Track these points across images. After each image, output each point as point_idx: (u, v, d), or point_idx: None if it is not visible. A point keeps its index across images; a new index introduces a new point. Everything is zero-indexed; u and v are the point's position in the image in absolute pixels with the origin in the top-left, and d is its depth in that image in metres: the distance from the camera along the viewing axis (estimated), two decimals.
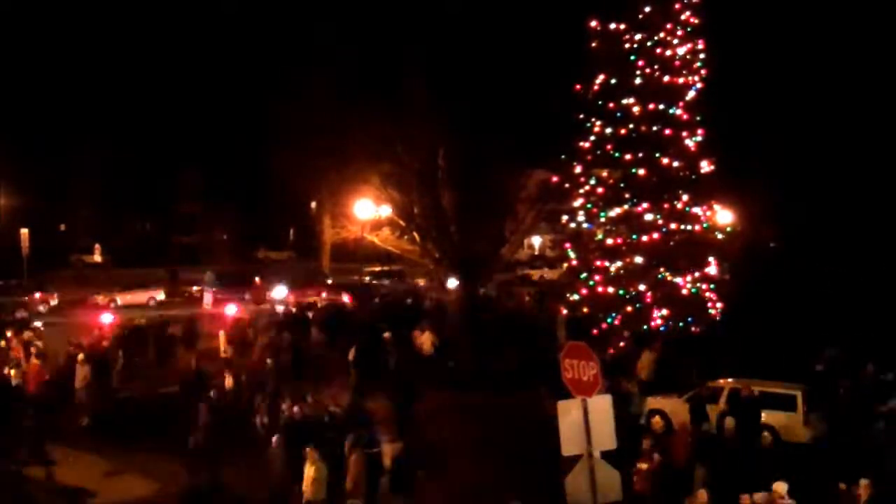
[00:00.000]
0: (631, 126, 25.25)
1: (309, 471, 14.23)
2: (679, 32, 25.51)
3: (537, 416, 16.62)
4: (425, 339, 26.30)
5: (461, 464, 17.23)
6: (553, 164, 27.88)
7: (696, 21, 25.73)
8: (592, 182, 26.00)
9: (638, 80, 25.26)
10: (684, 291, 25.12)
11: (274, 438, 15.64)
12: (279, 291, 40.38)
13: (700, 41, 25.81)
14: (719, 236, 26.57)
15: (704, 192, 25.90)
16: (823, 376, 20.27)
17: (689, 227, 25.53)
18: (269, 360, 22.93)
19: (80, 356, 22.04)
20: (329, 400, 19.09)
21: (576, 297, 25.89)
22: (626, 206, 25.36)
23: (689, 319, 24.98)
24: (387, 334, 25.99)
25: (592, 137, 25.76)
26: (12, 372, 21.45)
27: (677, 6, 25.52)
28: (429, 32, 27.20)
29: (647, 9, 25.34)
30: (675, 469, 14.45)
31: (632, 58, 25.30)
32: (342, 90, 27.25)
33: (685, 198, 25.30)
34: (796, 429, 18.18)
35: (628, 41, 25.40)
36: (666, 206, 25.21)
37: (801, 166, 45.76)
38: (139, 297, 43.36)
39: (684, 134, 25.36)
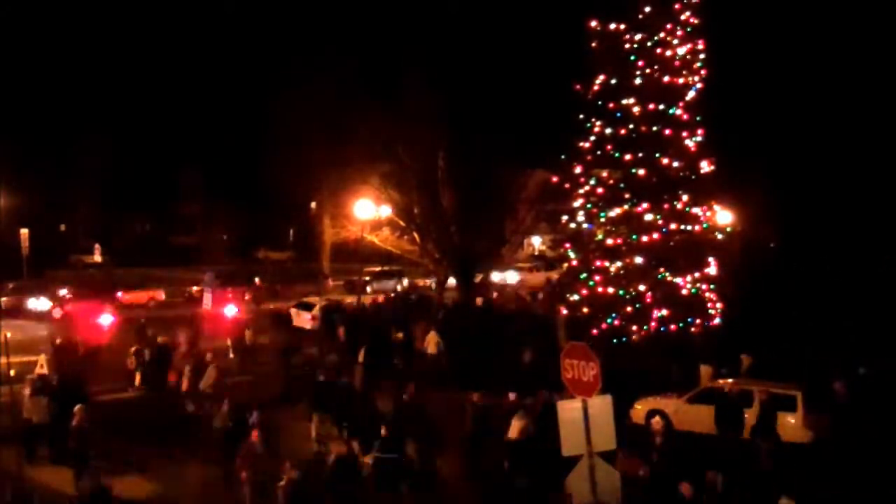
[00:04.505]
0: (631, 126, 25.21)
1: None
2: (679, 32, 25.47)
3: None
4: (430, 340, 26.33)
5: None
6: (553, 164, 27.87)
7: (696, 21, 25.69)
8: (592, 182, 25.94)
9: (638, 81, 25.22)
10: (684, 291, 25.11)
11: None
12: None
13: (700, 41, 25.77)
14: (719, 236, 26.55)
15: (704, 192, 25.85)
16: (822, 376, 20.23)
17: (689, 228, 25.49)
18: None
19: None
20: None
21: (576, 297, 25.87)
22: (626, 207, 25.31)
23: (689, 320, 24.96)
24: (399, 334, 26.03)
25: (592, 137, 25.71)
26: None
27: (677, 6, 25.48)
28: (429, 32, 27.25)
29: (647, 9, 25.29)
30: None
31: (632, 58, 25.25)
32: (342, 91, 27.30)
33: (685, 198, 25.26)
34: (796, 429, 18.15)
35: (628, 41, 25.35)
36: (666, 206, 25.16)
37: (800, 166, 45.78)
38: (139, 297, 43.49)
39: (684, 134, 25.33)
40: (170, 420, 20.40)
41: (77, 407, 16.83)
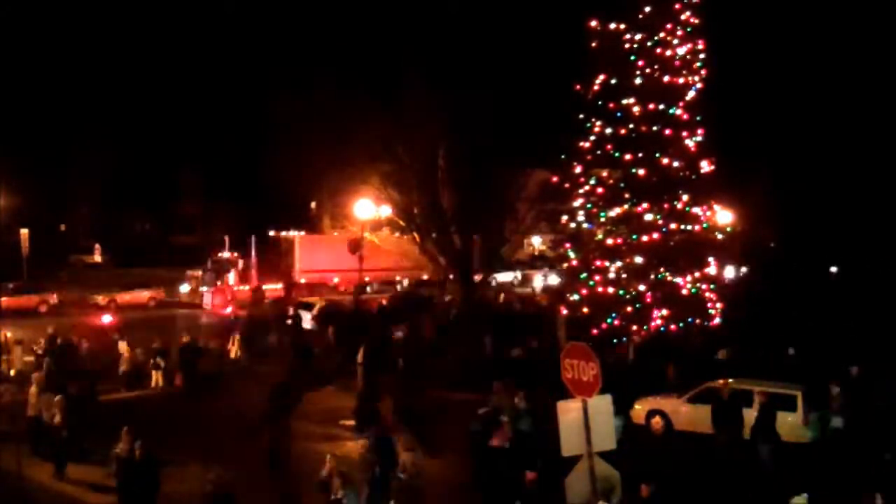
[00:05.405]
0: (631, 126, 25.24)
1: None
2: (679, 32, 25.51)
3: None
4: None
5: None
6: (553, 164, 27.88)
7: (696, 21, 25.74)
8: (592, 182, 25.98)
9: (638, 80, 25.25)
10: (684, 291, 25.12)
11: None
12: None
13: (700, 41, 25.81)
14: (719, 236, 26.57)
15: (704, 192, 25.90)
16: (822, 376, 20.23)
17: (689, 227, 25.52)
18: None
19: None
20: None
21: (576, 297, 25.87)
22: (626, 206, 25.34)
23: (690, 319, 24.97)
24: (399, 334, 26.04)
25: (592, 137, 25.75)
26: None
27: (677, 6, 25.52)
28: (429, 32, 27.22)
29: (647, 9, 25.33)
30: None
31: (632, 58, 25.29)
32: (342, 90, 27.28)
33: (685, 198, 25.30)
34: (796, 429, 18.15)
35: (628, 41, 25.38)
36: (666, 206, 25.20)
37: (800, 166, 45.79)
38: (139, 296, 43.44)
39: (684, 134, 25.36)
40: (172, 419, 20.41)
41: (81, 405, 16.81)
